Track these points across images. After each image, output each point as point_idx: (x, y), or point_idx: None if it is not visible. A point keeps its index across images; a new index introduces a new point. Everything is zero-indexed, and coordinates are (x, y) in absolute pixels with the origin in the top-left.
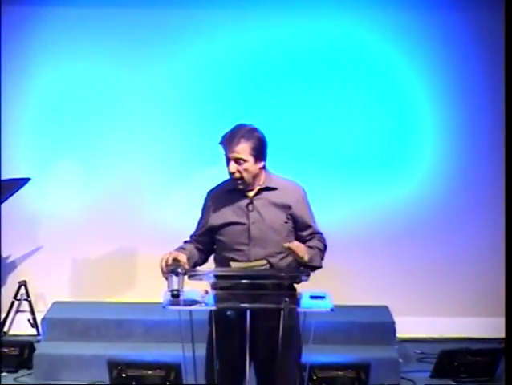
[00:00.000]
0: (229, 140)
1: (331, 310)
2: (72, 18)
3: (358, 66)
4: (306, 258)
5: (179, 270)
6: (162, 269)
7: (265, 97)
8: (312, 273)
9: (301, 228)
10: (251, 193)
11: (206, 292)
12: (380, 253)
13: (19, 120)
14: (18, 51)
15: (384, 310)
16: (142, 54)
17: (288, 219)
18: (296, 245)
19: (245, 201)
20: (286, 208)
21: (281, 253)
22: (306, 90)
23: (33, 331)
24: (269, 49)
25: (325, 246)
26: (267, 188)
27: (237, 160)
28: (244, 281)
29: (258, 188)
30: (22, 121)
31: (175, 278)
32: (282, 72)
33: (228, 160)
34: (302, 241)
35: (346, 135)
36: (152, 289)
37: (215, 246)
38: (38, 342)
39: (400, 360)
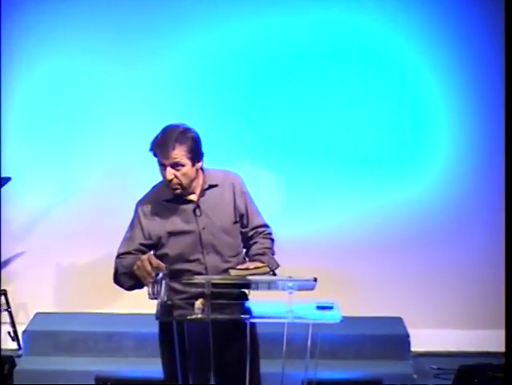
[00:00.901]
0: (161, 146)
1: (340, 321)
2: (57, 14)
3: (363, 57)
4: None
5: (162, 274)
6: (148, 273)
7: (265, 92)
8: (318, 281)
9: (244, 222)
10: (194, 197)
11: (202, 302)
12: (393, 258)
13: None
14: None
15: (398, 321)
16: (134, 49)
17: (235, 216)
18: (252, 268)
19: (191, 206)
20: (231, 203)
21: (236, 255)
22: (308, 84)
23: (13, 345)
24: (269, 40)
25: (272, 241)
26: (209, 187)
27: (174, 166)
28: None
29: (199, 189)
30: (3, 120)
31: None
32: (283, 65)
33: (163, 167)
34: (247, 238)
35: (350, 132)
36: (145, 300)
37: None
38: (19, 356)
39: (415, 376)
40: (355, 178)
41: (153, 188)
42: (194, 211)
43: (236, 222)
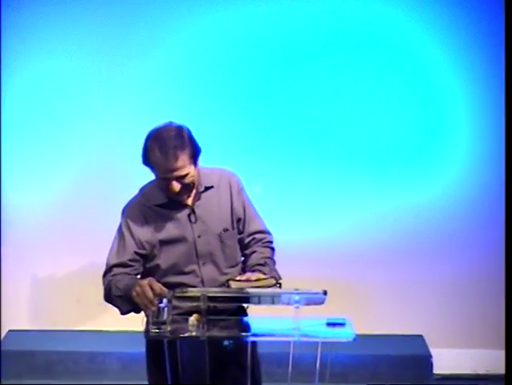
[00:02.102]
0: (162, 160)
1: (353, 339)
2: (45, 11)
3: (375, 46)
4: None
5: (166, 298)
6: (151, 302)
7: (265, 87)
8: (328, 295)
9: (240, 227)
10: (189, 200)
11: (197, 318)
12: (413, 268)
13: None
14: None
15: (418, 339)
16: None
17: (233, 221)
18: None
19: (185, 212)
20: (228, 207)
21: (235, 266)
22: (307, 81)
23: None
24: (275, 30)
25: (273, 250)
26: (205, 189)
27: (179, 178)
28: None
29: (194, 191)
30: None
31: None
32: (286, 58)
33: (166, 180)
34: (243, 246)
35: (352, 133)
36: (131, 316)
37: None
38: None
39: None
40: (367, 179)
41: (141, 190)
42: (189, 216)
43: (235, 229)
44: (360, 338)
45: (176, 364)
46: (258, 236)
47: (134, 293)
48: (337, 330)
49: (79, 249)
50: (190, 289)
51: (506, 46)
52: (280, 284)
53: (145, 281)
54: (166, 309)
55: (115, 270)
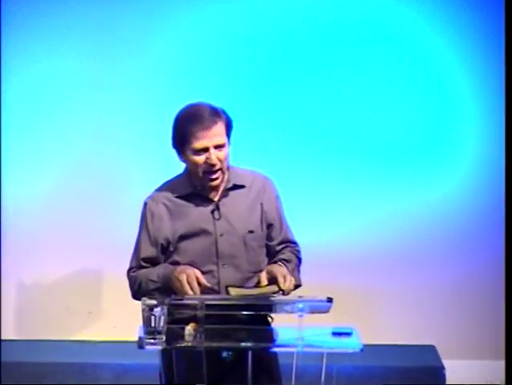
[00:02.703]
0: (200, 126)
1: (361, 350)
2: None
3: (380, 40)
4: (291, 287)
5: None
6: (193, 290)
7: (266, 85)
8: (334, 302)
9: (272, 235)
10: (215, 196)
11: (194, 327)
12: (423, 273)
13: None
14: None
15: (430, 350)
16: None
17: (262, 225)
18: (282, 275)
19: (209, 208)
20: (258, 209)
21: (258, 272)
22: (317, 72)
23: None
24: (279, 23)
25: (300, 260)
26: (234, 187)
27: (217, 147)
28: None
29: (222, 187)
30: None
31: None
32: (291, 53)
33: (200, 152)
34: (273, 253)
35: (355, 133)
36: (124, 323)
37: None
38: None
39: None
40: (368, 180)
41: (164, 183)
42: (212, 213)
43: (262, 232)
44: (368, 349)
45: (172, 375)
46: (290, 245)
47: (178, 283)
48: (343, 339)
49: (68, 255)
50: (187, 296)
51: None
52: (284, 292)
53: (192, 272)
54: (162, 317)
55: (143, 264)
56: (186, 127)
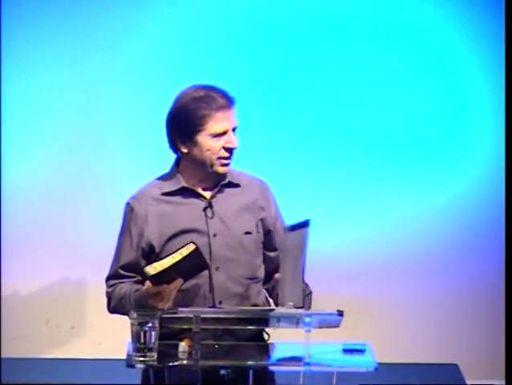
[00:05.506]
0: (219, 103)
1: (375, 369)
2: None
3: (389, 35)
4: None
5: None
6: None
7: (265, 84)
8: (345, 316)
9: (271, 243)
10: (207, 193)
11: (189, 344)
12: (439, 283)
13: None
14: None
15: (453, 369)
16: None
17: (258, 227)
18: None
19: (201, 204)
20: (256, 211)
21: (253, 279)
22: (320, 71)
23: None
24: (281, 18)
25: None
26: (229, 185)
27: (234, 129)
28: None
29: (218, 184)
30: None
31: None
32: (294, 50)
33: (219, 136)
34: (270, 262)
35: (358, 134)
36: (112, 339)
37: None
38: None
39: None
40: (371, 181)
41: (149, 182)
42: (205, 210)
43: (258, 235)
44: (383, 368)
45: None
46: None
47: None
48: (355, 357)
49: (48, 263)
50: (180, 309)
51: None
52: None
53: (158, 288)
54: (153, 332)
55: (122, 272)
56: (201, 111)
